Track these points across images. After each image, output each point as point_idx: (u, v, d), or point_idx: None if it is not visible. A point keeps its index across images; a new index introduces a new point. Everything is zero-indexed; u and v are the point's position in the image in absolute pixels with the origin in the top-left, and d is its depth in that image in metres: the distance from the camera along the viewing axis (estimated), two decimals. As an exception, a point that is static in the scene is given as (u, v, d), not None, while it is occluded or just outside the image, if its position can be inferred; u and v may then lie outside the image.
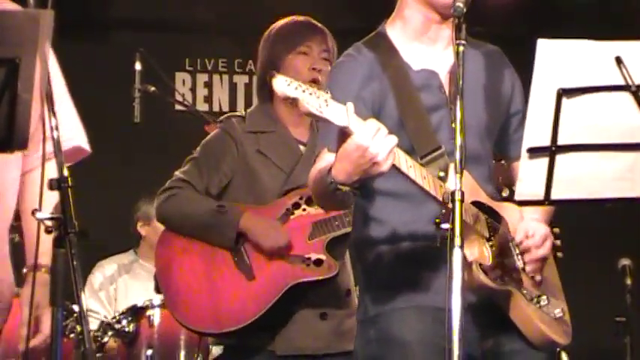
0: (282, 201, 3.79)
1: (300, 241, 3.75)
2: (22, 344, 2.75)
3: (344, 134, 2.63)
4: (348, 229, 3.63)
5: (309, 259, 3.73)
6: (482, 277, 2.86)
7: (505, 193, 3.25)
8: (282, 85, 2.57)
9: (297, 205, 3.78)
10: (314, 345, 3.73)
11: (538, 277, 2.99)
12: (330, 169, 2.70)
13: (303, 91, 2.57)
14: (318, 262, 3.72)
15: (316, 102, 2.57)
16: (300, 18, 3.93)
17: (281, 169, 3.81)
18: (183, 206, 3.78)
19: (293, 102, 2.58)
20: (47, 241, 2.60)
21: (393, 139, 2.62)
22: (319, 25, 3.91)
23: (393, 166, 2.72)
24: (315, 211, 3.75)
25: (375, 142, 2.59)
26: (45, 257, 2.74)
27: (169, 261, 3.86)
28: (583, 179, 2.62)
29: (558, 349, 3.02)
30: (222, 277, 3.75)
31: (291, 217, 3.78)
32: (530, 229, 2.92)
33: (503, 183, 3.24)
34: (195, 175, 3.80)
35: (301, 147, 3.87)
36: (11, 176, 2.87)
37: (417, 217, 2.91)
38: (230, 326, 3.70)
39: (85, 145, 2.86)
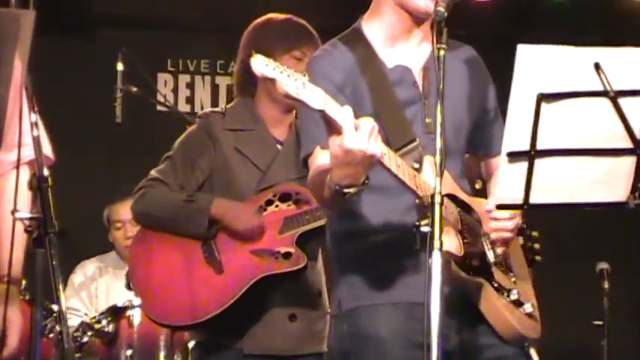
0: (256, 198, 3.81)
1: (270, 235, 3.77)
2: None
3: (331, 127, 2.63)
4: (319, 223, 3.70)
5: (278, 252, 3.74)
6: (454, 268, 2.87)
7: (478, 185, 3.27)
8: (260, 65, 2.57)
9: (270, 202, 3.80)
10: (281, 346, 3.75)
11: (499, 250, 2.99)
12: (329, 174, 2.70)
13: (281, 72, 2.56)
14: (287, 255, 3.74)
15: (294, 84, 2.57)
16: (296, 19, 3.92)
17: (257, 168, 3.83)
18: (154, 202, 3.80)
19: (271, 82, 2.57)
20: (17, 250, 2.59)
21: (376, 127, 2.62)
22: (312, 29, 3.90)
23: None
24: (286, 207, 3.79)
25: (371, 141, 2.60)
26: (14, 269, 2.72)
27: (143, 260, 3.88)
28: (562, 183, 2.63)
29: (527, 345, 3.02)
30: (192, 272, 3.77)
31: (264, 213, 3.79)
32: (499, 213, 2.90)
33: (475, 176, 3.26)
34: (169, 173, 3.82)
35: (279, 146, 3.88)
36: None
37: (391, 209, 2.92)
38: (199, 318, 3.72)
39: (50, 153, 2.84)
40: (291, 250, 3.74)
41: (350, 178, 2.67)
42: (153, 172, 3.86)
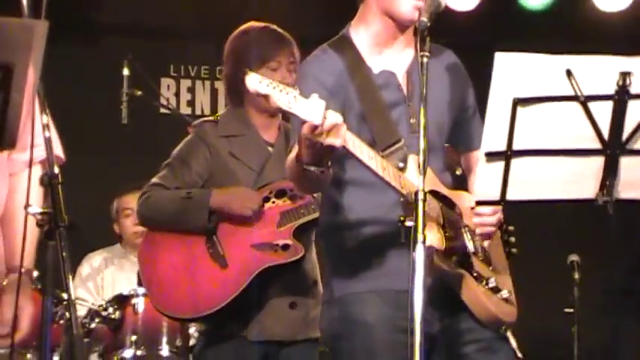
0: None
1: (269, 229, 3.77)
2: (1, 342, 2.75)
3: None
4: (313, 216, 3.71)
5: (277, 245, 3.74)
6: (436, 260, 2.88)
7: (459, 172, 3.28)
8: (254, 82, 2.60)
9: (267, 199, 3.80)
10: (283, 332, 3.75)
11: (486, 243, 3.02)
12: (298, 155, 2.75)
13: (274, 88, 2.60)
14: (285, 247, 3.74)
15: (286, 98, 2.60)
16: (271, 27, 3.87)
17: (252, 169, 3.83)
18: (157, 203, 3.79)
19: (265, 98, 2.60)
20: (29, 243, 2.59)
21: (339, 123, 2.64)
22: (286, 35, 3.87)
23: (356, 158, 2.75)
24: (283, 203, 3.79)
25: (330, 135, 2.63)
26: (26, 260, 2.72)
27: (150, 258, 3.88)
28: (536, 181, 2.64)
29: (504, 328, 3.04)
30: (198, 268, 3.77)
31: (262, 209, 3.78)
32: (483, 208, 2.93)
33: (454, 163, 3.28)
34: (168, 178, 3.82)
35: (270, 148, 3.89)
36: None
37: (379, 204, 2.94)
38: (206, 310, 3.71)
39: (61, 153, 2.85)
40: (289, 242, 3.74)
41: (312, 158, 2.70)
42: (154, 179, 3.85)
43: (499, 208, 2.95)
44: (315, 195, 3.65)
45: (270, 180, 3.81)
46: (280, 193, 3.80)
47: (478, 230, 2.97)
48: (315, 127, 2.60)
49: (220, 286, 3.71)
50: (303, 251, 3.72)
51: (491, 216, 2.94)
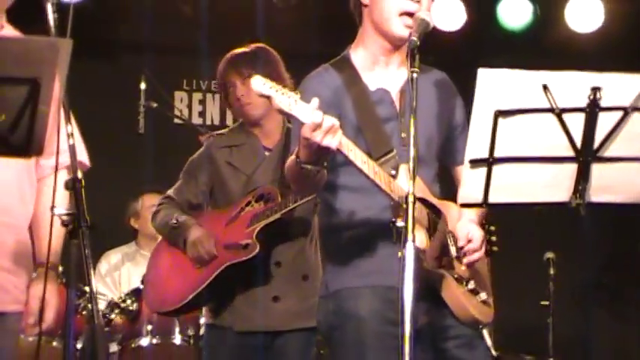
0: (240, 202, 3.86)
1: (241, 230, 3.80)
2: (28, 331, 2.75)
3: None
4: (276, 216, 3.74)
5: (241, 244, 3.78)
6: (421, 261, 2.86)
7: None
8: (258, 84, 2.60)
9: (249, 204, 3.84)
10: (267, 323, 3.76)
11: (464, 268, 3.00)
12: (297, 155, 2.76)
13: (276, 91, 2.59)
14: (247, 246, 3.78)
15: (287, 101, 2.59)
16: (226, 57, 3.97)
17: (245, 174, 3.86)
18: (158, 224, 3.98)
19: (267, 99, 2.60)
20: (55, 241, 2.60)
21: (335, 126, 2.64)
22: (234, 55, 3.94)
23: (350, 161, 2.75)
24: (258, 206, 3.81)
25: (327, 137, 2.63)
26: (53, 256, 2.73)
27: (153, 260, 4.04)
28: (515, 186, 2.64)
29: (481, 327, 3.03)
30: (179, 267, 3.87)
31: (242, 213, 3.83)
32: (470, 233, 2.93)
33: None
34: (178, 190, 3.96)
35: (267, 153, 3.92)
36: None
37: (370, 206, 2.93)
38: (172, 305, 3.83)
39: (86, 160, 2.86)
40: (250, 241, 3.76)
41: (310, 157, 2.69)
42: (169, 191, 3.99)
43: (484, 237, 2.96)
44: (296, 199, 3.65)
45: (259, 183, 3.85)
46: (260, 198, 3.83)
47: (465, 260, 2.94)
48: (314, 127, 2.60)
49: (189, 283, 3.80)
50: (257, 250, 3.72)
51: (478, 251, 2.93)
